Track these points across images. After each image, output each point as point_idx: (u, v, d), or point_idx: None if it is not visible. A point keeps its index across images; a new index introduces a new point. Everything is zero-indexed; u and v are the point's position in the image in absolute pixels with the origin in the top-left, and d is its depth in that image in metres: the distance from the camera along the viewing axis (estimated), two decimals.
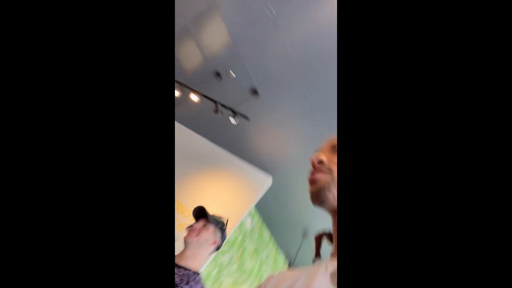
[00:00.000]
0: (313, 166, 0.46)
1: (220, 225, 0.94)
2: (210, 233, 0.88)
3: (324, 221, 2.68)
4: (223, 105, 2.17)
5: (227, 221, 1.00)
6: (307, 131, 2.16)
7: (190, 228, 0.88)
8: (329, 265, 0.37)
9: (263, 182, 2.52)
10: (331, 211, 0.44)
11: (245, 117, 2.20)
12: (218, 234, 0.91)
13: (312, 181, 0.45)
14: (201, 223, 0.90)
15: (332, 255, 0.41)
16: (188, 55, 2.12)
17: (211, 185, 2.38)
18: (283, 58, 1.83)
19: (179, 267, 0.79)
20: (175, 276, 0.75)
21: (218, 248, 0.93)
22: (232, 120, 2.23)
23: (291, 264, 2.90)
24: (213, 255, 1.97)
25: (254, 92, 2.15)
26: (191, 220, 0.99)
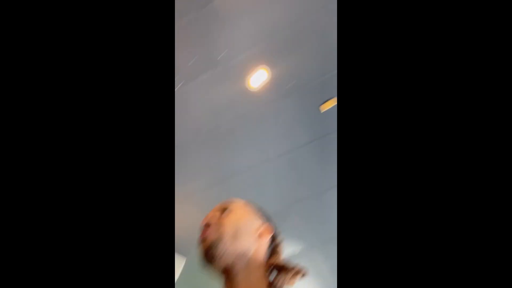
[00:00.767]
0: (202, 228, 0.48)
1: None
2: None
3: None
4: None
5: None
6: (210, 202, 2.24)
7: None
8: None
9: (177, 264, 2.28)
10: (221, 270, 0.45)
11: None
12: None
13: (202, 240, 0.46)
14: None
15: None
16: None
17: None
18: None
19: None
20: None
21: None
22: None
23: None
24: None
25: None
26: None
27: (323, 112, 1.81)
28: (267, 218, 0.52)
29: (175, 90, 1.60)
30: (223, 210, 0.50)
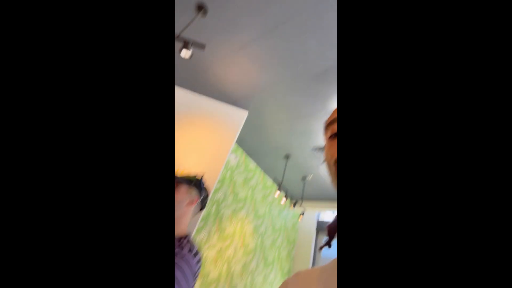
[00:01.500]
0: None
1: (194, 182, 0.85)
2: (182, 194, 0.80)
3: (302, 144, 2.83)
4: None
5: (202, 177, 0.90)
6: (273, 51, 2.01)
7: None
8: None
9: (239, 116, 2.48)
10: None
11: (200, 46, 1.80)
12: (194, 192, 0.84)
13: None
14: None
15: None
16: None
17: (188, 131, 2.29)
18: None
19: None
20: None
21: (203, 207, 0.88)
22: (184, 53, 1.81)
23: (280, 186, 3.19)
24: (201, 214, 2.06)
25: (200, 8, 1.77)
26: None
27: None
28: None
29: None
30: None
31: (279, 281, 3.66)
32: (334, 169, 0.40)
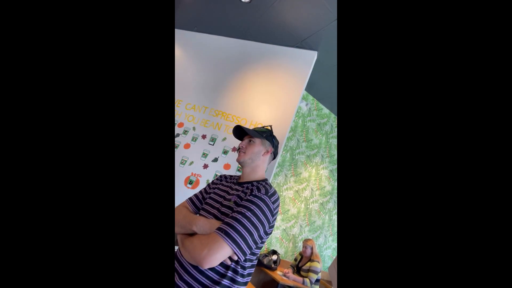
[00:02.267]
0: None
1: (266, 134, 0.93)
2: (257, 146, 0.90)
3: None
4: None
5: (271, 127, 0.98)
6: None
7: (238, 149, 0.91)
8: None
9: (308, 59, 2.33)
10: None
11: None
12: (267, 143, 0.92)
13: None
14: (245, 141, 0.92)
15: None
16: None
17: (256, 83, 2.36)
18: None
19: (243, 185, 0.84)
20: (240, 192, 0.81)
21: (275, 156, 0.96)
22: None
23: None
24: (276, 161, 2.17)
25: None
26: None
27: None
28: None
29: None
30: None
31: None
32: None
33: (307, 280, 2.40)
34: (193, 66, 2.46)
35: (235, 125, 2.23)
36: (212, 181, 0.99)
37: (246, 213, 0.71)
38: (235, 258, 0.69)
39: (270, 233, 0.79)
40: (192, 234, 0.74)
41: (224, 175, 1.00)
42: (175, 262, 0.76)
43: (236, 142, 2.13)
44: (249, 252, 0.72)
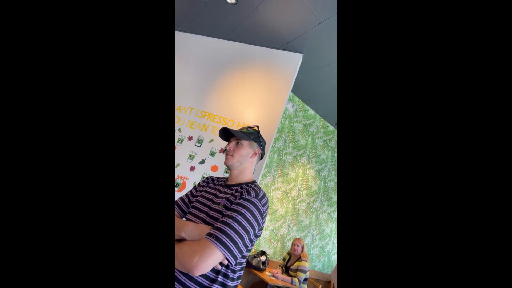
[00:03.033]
0: None
1: (253, 136, 0.91)
2: (245, 149, 0.88)
3: None
4: None
5: (258, 127, 0.96)
6: None
7: (225, 150, 0.89)
8: None
9: (293, 61, 2.36)
10: None
11: None
12: (255, 145, 0.91)
13: None
14: (233, 143, 0.89)
15: None
16: None
17: (243, 84, 2.36)
18: None
19: (231, 188, 0.83)
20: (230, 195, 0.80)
21: (262, 156, 0.95)
22: None
23: None
24: (264, 161, 2.18)
25: None
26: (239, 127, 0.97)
27: None
28: None
29: None
30: None
31: None
32: None
33: (295, 279, 2.42)
34: (178, 66, 2.42)
35: (222, 126, 2.21)
36: (199, 183, 0.97)
37: (237, 217, 0.70)
38: (226, 262, 0.68)
39: (260, 235, 0.79)
40: (180, 240, 0.72)
41: (210, 177, 0.98)
42: None
43: (224, 143, 2.11)
44: (240, 256, 0.71)
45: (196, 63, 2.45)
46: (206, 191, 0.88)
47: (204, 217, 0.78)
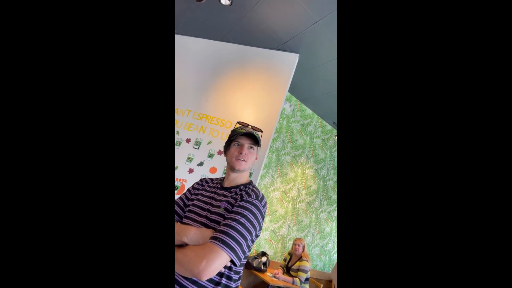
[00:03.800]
0: None
1: (259, 141, 0.91)
2: (255, 154, 0.89)
3: None
4: None
5: (262, 132, 0.95)
6: None
7: (238, 155, 0.85)
8: None
9: (290, 61, 2.37)
10: None
11: None
12: (259, 149, 0.92)
13: None
14: (246, 148, 0.86)
15: None
16: None
17: (240, 85, 2.36)
18: None
19: (230, 190, 0.83)
20: (230, 198, 0.80)
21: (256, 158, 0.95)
22: (225, 1, 1.89)
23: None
24: (262, 163, 2.21)
25: None
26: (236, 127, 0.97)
27: None
28: None
29: None
30: None
31: None
32: None
33: (296, 279, 2.42)
34: (175, 69, 2.42)
35: (219, 128, 2.21)
36: (192, 186, 0.95)
37: (240, 219, 0.70)
38: (229, 264, 0.68)
39: (259, 236, 0.79)
40: (181, 245, 0.71)
41: (205, 178, 0.97)
42: None
43: (221, 145, 2.11)
44: (243, 257, 0.71)
45: (193, 65, 2.45)
46: (202, 194, 0.88)
47: (204, 221, 0.77)
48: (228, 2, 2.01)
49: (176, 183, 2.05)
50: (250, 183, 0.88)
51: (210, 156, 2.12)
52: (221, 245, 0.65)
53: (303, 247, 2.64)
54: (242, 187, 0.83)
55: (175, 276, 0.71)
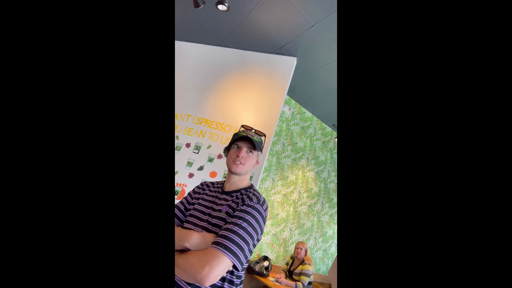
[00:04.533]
0: None
1: (261, 146, 0.91)
2: (254, 158, 0.88)
3: None
4: None
5: (265, 137, 0.94)
6: None
7: (236, 158, 0.85)
8: None
9: (288, 64, 2.38)
10: None
11: None
12: (260, 154, 0.91)
13: None
14: (244, 151, 0.86)
15: None
16: None
17: (239, 89, 2.38)
18: None
19: (231, 194, 0.83)
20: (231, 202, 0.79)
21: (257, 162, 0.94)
22: (221, 6, 1.93)
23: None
24: (262, 167, 2.22)
25: None
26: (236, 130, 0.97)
27: None
28: None
29: None
30: None
31: None
32: None
33: (299, 284, 2.40)
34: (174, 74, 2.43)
35: (219, 132, 2.21)
36: (193, 190, 0.95)
37: (242, 224, 0.70)
38: (231, 269, 0.68)
39: (260, 240, 0.79)
40: (182, 250, 0.71)
41: (205, 182, 0.96)
42: None
43: (220, 149, 2.11)
44: (246, 261, 0.71)
45: (191, 70, 2.47)
46: (203, 199, 0.87)
47: (205, 225, 0.77)
48: (225, 8, 2.04)
49: (176, 188, 2.04)
50: (251, 186, 0.88)
51: (210, 160, 2.12)
52: (223, 250, 0.64)
53: (306, 251, 2.61)
54: (243, 191, 0.83)
55: (178, 282, 0.70)
